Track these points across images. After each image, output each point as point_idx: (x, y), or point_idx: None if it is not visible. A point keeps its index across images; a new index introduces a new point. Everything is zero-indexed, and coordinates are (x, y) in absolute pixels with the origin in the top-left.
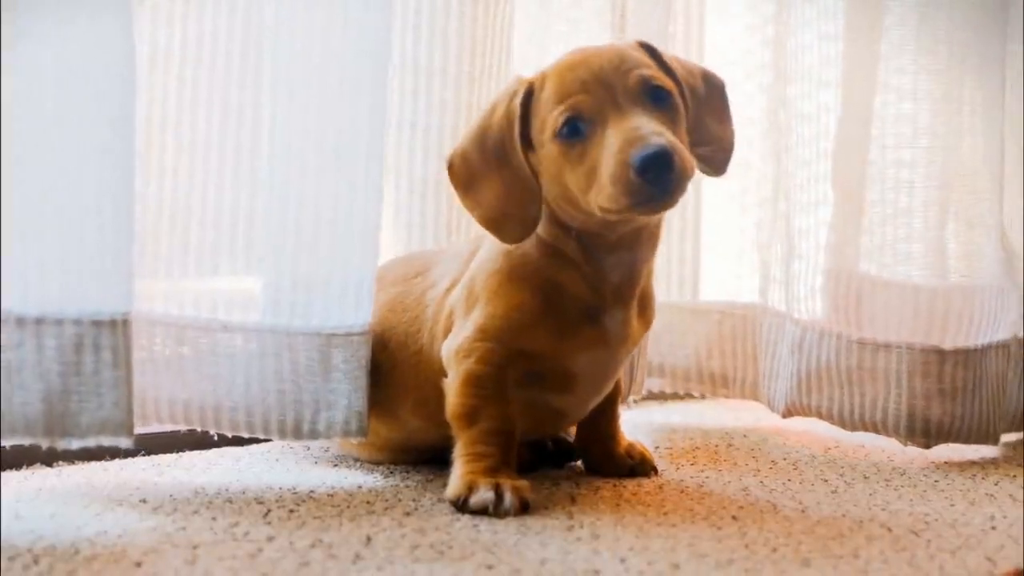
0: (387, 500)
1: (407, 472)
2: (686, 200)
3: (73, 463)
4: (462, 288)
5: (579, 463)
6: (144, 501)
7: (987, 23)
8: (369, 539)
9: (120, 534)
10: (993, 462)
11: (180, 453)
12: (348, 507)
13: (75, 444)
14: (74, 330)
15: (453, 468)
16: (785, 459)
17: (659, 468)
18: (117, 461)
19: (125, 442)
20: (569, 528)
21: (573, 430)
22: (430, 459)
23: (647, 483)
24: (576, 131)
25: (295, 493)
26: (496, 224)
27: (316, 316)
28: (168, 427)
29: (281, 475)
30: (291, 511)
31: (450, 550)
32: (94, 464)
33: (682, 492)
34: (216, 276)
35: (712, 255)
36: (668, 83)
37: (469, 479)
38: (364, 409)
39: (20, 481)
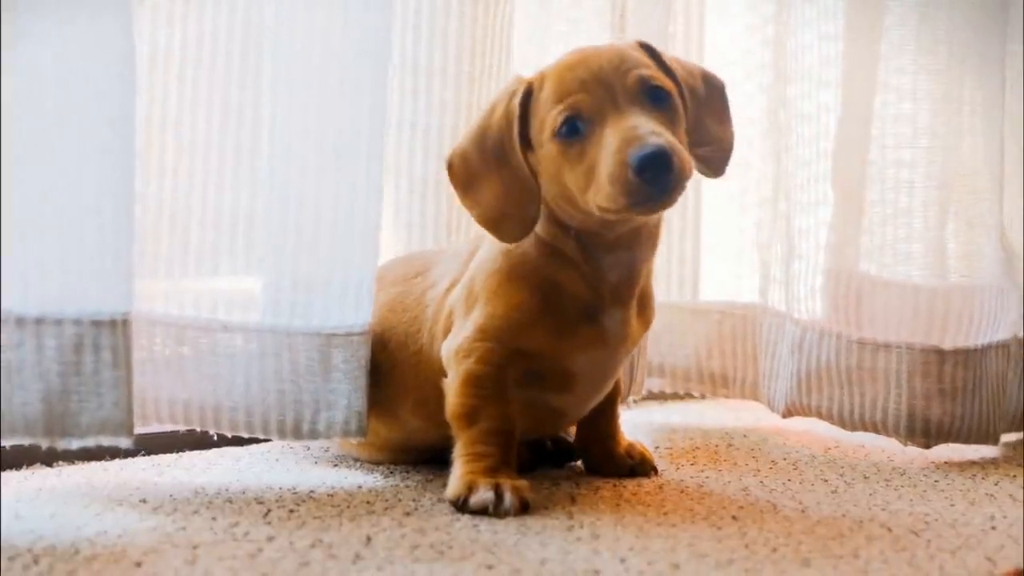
0: (387, 500)
1: (407, 472)
2: (686, 200)
3: (73, 463)
4: (462, 288)
5: (579, 463)
6: (144, 501)
7: (987, 23)
8: (369, 539)
9: (120, 534)
10: (993, 462)
11: (180, 453)
12: (348, 507)
13: (75, 444)
14: (74, 330)
15: (453, 468)
16: (785, 459)
17: (659, 468)
18: (117, 461)
19: (125, 442)
20: (569, 528)
21: (573, 430)
22: (430, 459)
23: (647, 483)
24: (575, 130)
25: (295, 493)
26: (495, 224)
27: (316, 316)
28: (168, 427)
29: (281, 475)
30: (291, 511)
31: (450, 550)
32: (94, 464)
33: (682, 492)
34: (216, 276)
35: (712, 255)
36: (667, 83)
37: (469, 479)
38: (364, 409)
39: (20, 481)
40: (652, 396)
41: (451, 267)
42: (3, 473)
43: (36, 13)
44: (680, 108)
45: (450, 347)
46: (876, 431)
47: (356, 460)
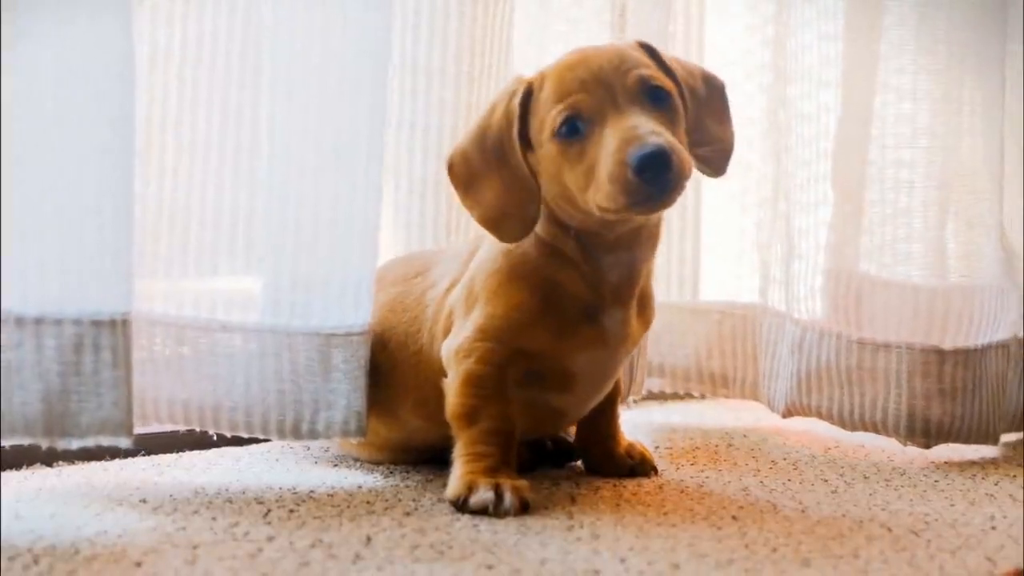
0: (387, 500)
1: (407, 472)
2: (686, 200)
3: (73, 463)
4: (462, 288)
5: (579, 463)
6: (144, 501)
7: (986, 23)
8: (369, 539)
9: (120, 534)
10: (993, 462)
11: (180, 453)
12: (348, 507)
13: (75, 444)
14: (74, 330)
15: (453, 468)
16: (785, 459)
17: (659, 468)
18: (117, 461)
19: (125, 442)
20: (569, 528)
21: (573, 430)
22: (430, 459)
23: (647, 483)
24: (575, 130)
25: (295, 493)
26: (495, 224)
27: (315, 316)
28: (168, 427)
29: (281, 475)
30: (291, 511)
31: (450, 550)
32: (94, 464)
33: (682, 492)
34: (215, 276)
35: (712, 255)
36: (667, 83)
37: (469, 479)
38: (363, 409)
39: (20, 481)
40: (652, 396)
41: (451, 267)
42: (3, 473)
43: (36, 13)
44: (680, 108)
45: (450, 347)
46: (876, 431)
47: (356, 460)
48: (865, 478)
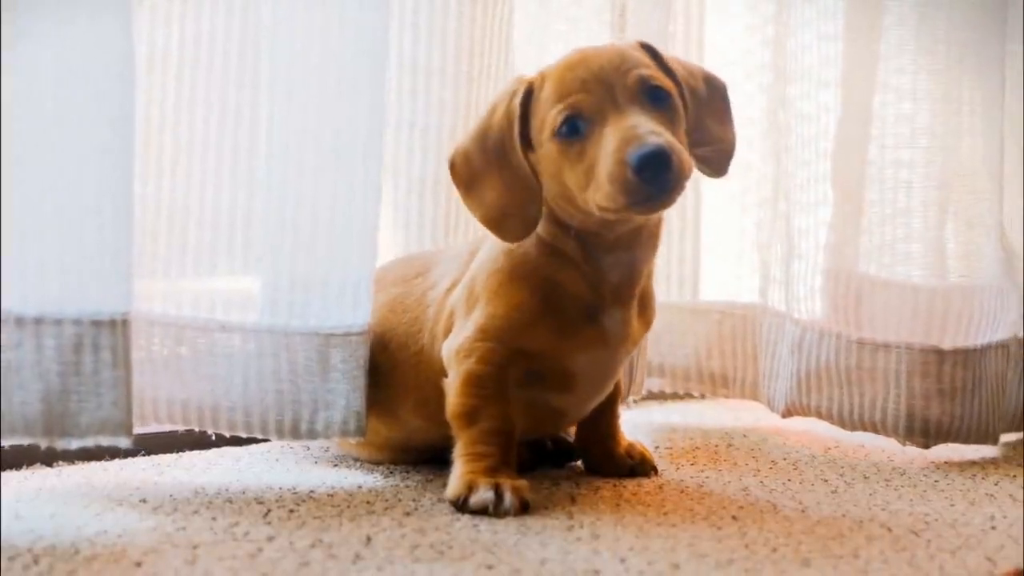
0: (387, 500)
1: (407, 472)
2: (686, 200)
3: (73, 463)
4: (463, 288)
5: (579, 463)
6: (144, 501)
7: (986, 23)
8: (369, 539)
9: (120, 534)
10: (993, 462)
11: (180, 453)
12: (348, 507)
13: (74, 444)
14: (73, 330)
15: (453, 468)
16: (785, 459)
17: (659, 468)
18: (117, 461)
19: (124, 442)
20: (569, 528)
21: (573, 430)
22: (430, 459)
23: (647, 483)
24: (575, 130)
25: (295, 493)
26: (497, 223)
27: (314, 316)
28: (167, 427)
29: (281, 475)
30: (291, 511)
31: (450, 550)
32: (94, 464)
33: (682, 492)
34: (214, 276)
35: (712, 255)
36: (668, 83)
37: (469, 479)
38: (362, 409)
39: (20, 481)
40: (652, 396)
41: (452, 268)
42: (3, 473)
43: (36, 13)
44: (680, 108)
45: (451, 347)
46: (875, 431)
47: (356, 460)
48: (865, 478)
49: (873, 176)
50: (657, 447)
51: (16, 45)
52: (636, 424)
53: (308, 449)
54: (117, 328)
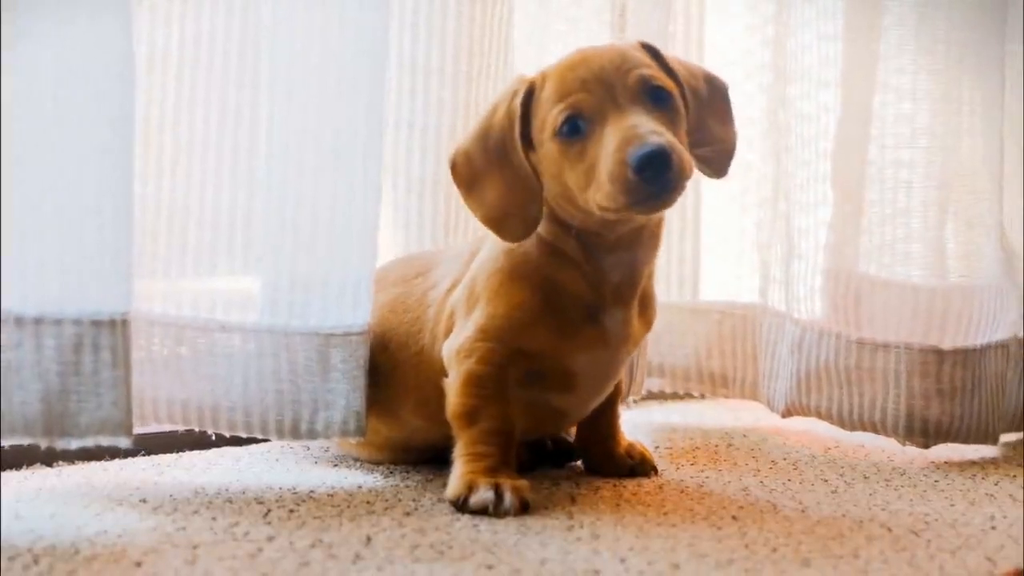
0: (387, 500)
1: (407, 472)
2: (686, 200)
3: (73, 463)
4: (463, 288)
5: (579, 463)
6: (144, 501)
7: (986, 23)
8: (369, 539)
9: (120, 534)
10: (993, 462)
11: (180, 453)
12: (348, 507)
13: (74, 444)
14: (73, 330)
15: (453, 468)
16: (785, 459)
17: (659, 468)
18: (117, 461)
19: (124, 442)
20: (569, 528)
21: (573, 430)
22: (430, 459)
23: (647, 483)
24: (576, 129)
25: (295, 493)
26: (498, 223)
27: (314, 316)
28: (167, 427)
29: (281, 475)
30: (291, 511)
31: (450, 550)
32: (94, 464)
33: (682, 492)
34: (214, 276)
35: (712, 255)
36: (668, 83)
37: (469, 479)
38: (362, 409)
39: (20, 481)
40: (652, 396)
41: (452, 268)
42: (3, 473)
43: (36, 13)
44: (681, 108)
45: (451, 347)
46: (875, 431)
47: (356, 460)
48: (865, 478)
49: (873, 176)
50: (657, 447)
51: (16, 45)
52: (636, 424)
53: (308, 449)
54: (117, 328)
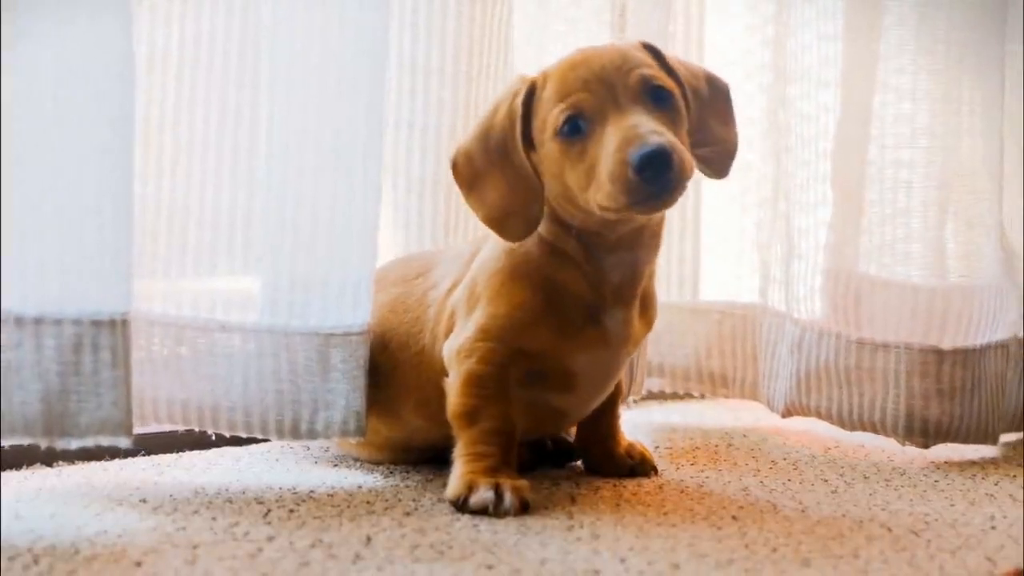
0: (387, 500)
1: (407, 472)
2: (686, 200)
3: (73, 463)
4: (464, 288)
5: (579, 463)
6: (144, 501)
7: (986, 23)
8: (369, 539)
9: (120, 534)
10: (993, 462)
11: (180, 453)
12: (348, 507)
13: (74, 444)
14: (73, 330)
15: (453, 468)
16: (785, 459)
17: (659, 468)
18: (117, 461)
19: (124, 442)
20: (569, 528)
21: (573, 430)
22: (430, 459)
23: (647, 483)
24: (576, 129)
25: (295, 493)
26: (499, 223)
27: (314, 316)
28: (167, 427)
29: (281, 475)
30: (291, 511)
31: (450, 550)
32: (94, 464)
33: (682, 492)
34: (214, 276)
35: (712, 255)
36: (669, 83)
37: (469, 479)
38: (362, 409)
39: (20, 481)
40: (652, 396)
41: (453, 268)
42: (3, 473)
43: (36, 13)
44: (682, 109)
45: (452, 347)
46: (875, 431)
47: (356, 460)
48: (865, 478)
49: (873, 176)
50: (657, 447)
51: (16, 45)
52: (636, 424)
53: (308, 449)
54: (117, 328)
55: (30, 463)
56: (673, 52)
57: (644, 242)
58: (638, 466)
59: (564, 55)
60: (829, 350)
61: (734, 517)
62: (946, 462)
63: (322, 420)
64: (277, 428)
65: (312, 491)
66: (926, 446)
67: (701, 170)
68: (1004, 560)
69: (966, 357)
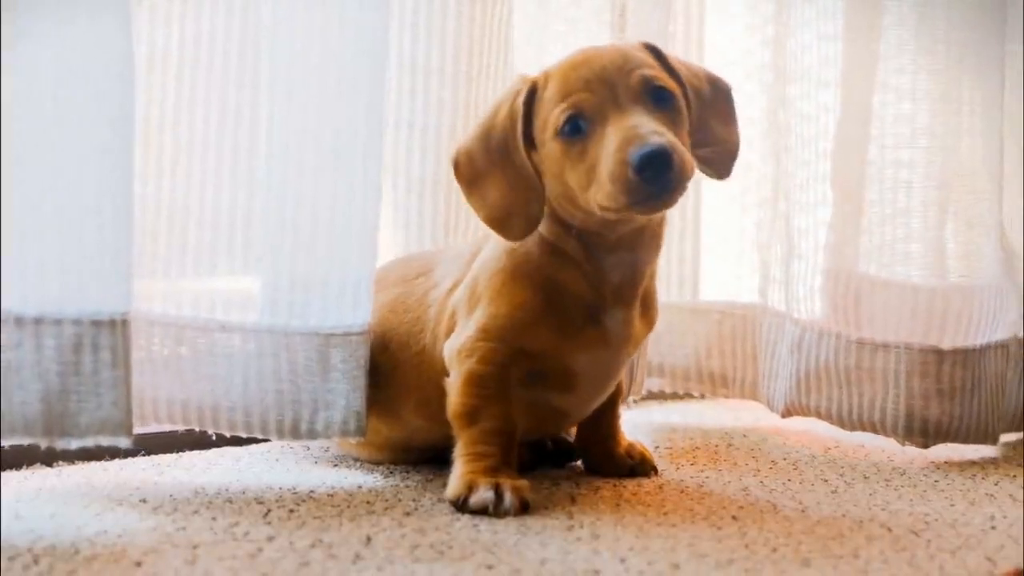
0: (387, 500)
1: (407, 472)
2: (686, 200)
3: (73, 463)
4: (464, 288)
5: (579, 463)
6: (144, 501)
7: (986, 23)
8: (369, 539)
9: (120, 534)
10: (993, 462)
11: (180, 453)
12: (348, 507)
13: (74, 444)
14: (73, 330)
15: (453, 468)
16: (785, 459)
17: (659, 468)
18: (117, 461)
19: (124, 442)
20: (569, 528)
21: (573, 430)
22: (430, 459)
23: (647, 483)
24: (577, 129)
25: (295, 493)
26: (500, 222)
27: (314, 316)
28: (167, 427)
29: (281, 475)
30: (291, 511)
31: (450, 550)
32: (94, 464)
33: (682, 492)
34: (214, 276)
35: (712, 255)
36: (670, 84)
37: (469, 479)
38: (362, 409)
39: (20, 481)
40: (652, 396)
41: (453, 268)
42: (3, 473)
43: (36, 13)
44: (683, 109)
45: (452, 347)
46: (875, 431)
47: (356, 460)
48: (865, 478)
49: (873, 176)
50: (657, 447)
51: (16, 45)
52: (636, 424)
53: (308, 449)
54: (117, 328)
55: (30, 463)
56: (673, 52)
57: (645, 242)
58: (638, 466)
59: (565, 55)
60: (829, 350)
61: (734, 517)
62: (946, 462)
63: (322, 420)
64: (277, 428)
65: (312, 491)
66: (926, 446)
67: (702, 171)
68: (1004, 560)
69: (966, 357)
